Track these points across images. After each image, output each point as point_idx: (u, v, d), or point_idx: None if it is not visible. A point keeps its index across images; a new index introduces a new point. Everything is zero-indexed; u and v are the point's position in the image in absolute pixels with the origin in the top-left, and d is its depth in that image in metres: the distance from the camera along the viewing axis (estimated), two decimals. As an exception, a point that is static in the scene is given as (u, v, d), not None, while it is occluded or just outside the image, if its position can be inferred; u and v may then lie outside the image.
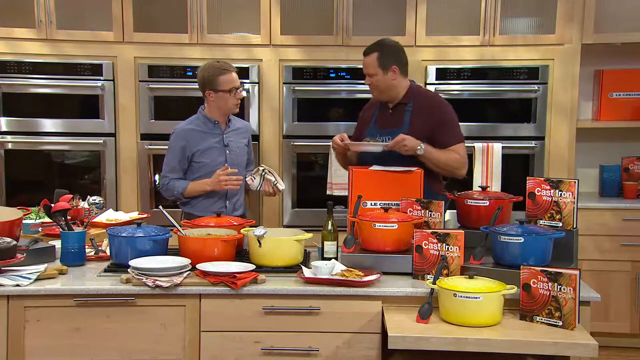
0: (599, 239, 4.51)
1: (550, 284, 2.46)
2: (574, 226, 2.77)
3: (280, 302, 2.68)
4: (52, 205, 3.07)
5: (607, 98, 4.84)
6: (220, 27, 4.58)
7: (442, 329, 2.44)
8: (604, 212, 4.53)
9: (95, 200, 3.65)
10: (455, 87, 4.56)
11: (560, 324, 2.45)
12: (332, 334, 2.69)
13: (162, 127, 4.52)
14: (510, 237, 2.67)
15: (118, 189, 4.61)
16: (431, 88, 4.53)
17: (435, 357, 2.53)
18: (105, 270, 2.85)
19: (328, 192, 4.47)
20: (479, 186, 3.27)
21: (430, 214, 2.99)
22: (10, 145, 4.58)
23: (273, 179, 3.59)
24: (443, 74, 4.54)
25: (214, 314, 2.69)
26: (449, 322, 2.49)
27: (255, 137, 4.45)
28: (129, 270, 2.71)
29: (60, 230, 2.96)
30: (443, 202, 3.00)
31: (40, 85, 4.53)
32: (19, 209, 3.19)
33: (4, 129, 4.56)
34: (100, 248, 3.12)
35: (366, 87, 4.55)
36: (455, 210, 3.15)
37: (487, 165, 4.49)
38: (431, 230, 2.76)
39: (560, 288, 2.44)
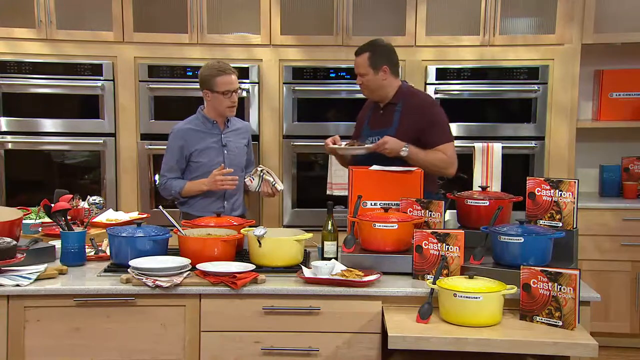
0: (599, 239, 4.51)
1: (550, 284, 2.46)
2: (574, 226, 2.77)
3: (280, 302, 2.68)
4: (52, 205, 3.07)
5: (607, 98, 4.84)
6: (220, 27, 4.58)
7: (442, 329, 2.44)
8: (604, 212, 4.53)
9: (95, 200, 3.65)
10: (455, 87, 4.56)
11: (560, 324, 2.45)
12: (332, 334, 2.69)
13: (162, 127, 4.52)
14: (510, 237, 2.67)
15: (118, 189, 4.61)
16: (431, 88, 4.54)
17: (435, 357, 2.53)
18: (105, 270, 2.85)
19: (328, 192, 4.47)
20: (479, 186, 3.27)
21: (430, 214, 2.99)
22: (10, 145, 4.58)
23: (271, 180, 3.60)
24: (443, 74, 4.54)
25: (214, 314, 2.69)
26: (449, 322, 2.49)
27: (255, 137, 4.45)
28: (129, 270, 2.71)
29: (60, 230, 2.96)
30: (443, 202, 3.00)
31: (40, 85, 4.53)
32: (19, 209, 3.19)
33: (4, 129, 4.56)
34: (100, 248, 3.12)
35: (366, 87, 4.57)
36: (455, 210, 3.15)
37: (487, 165, 4.49)
38: (431, 230, 2.76)
39: (560, 288, 2.44)
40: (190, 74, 4.49)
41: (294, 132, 4.57)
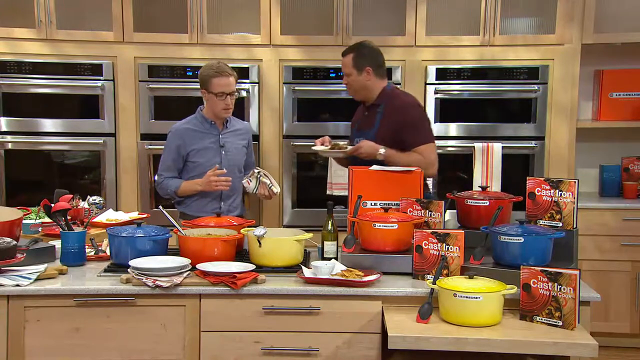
0: (599, 239, 4.51)
1: (550, 284, 2.46)
2: (574, 226, 2.77)
3: (280, 302, 2.68)
4: (52, 205, 3.07)
5: (607, 98, 4.84)
6: (220, 27, 4.58)
7: (442, 329, 2.44)
8: (604, 212, 4.53)
9: (95, 200, 3.65)
10: (455, 87, 4.56)
11: (560, 324, 2.45)
12: (332, 334, 2.69)
13: (162, 127, 4.51)
14: (510, 237, 2.67)
15: (118, 189, 4.61)
16: (431, 88, 4.54)
17: (435, 357, 2.53)
18: (105, 270, 2.85)
19: (328, 192, 4.47)
20: (479, 186, 3.27)
21: (430, 214, 2.99)
22: (10, 145, 4.58)
23: (268, 182, 3.61)
24: (443, 74, 4.54)
25: (214, 314, 2.69)
26: (449, 322, 2.49)
27: (255, 137, 4.44)
28: (129, 270, 2.72)
29: (60, 230, 2.96)
30: (443, 202, 3.00)
31: (40, 85, 4.53)
32: (19, 209, 3.19)
33: (4, 129, 4.56)
34: (100, 248, 3.12)
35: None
36: (455, 210, 3.15)
37: (487, 165, 4.49)
38: (431, 230, 2.76)
39: (560, 288, 2.44)
40: (190, 74, 4.49)
41: (294, 132, 4.57)
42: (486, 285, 2.49)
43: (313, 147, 3.62)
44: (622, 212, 4.52)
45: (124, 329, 2.69)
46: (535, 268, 2.50)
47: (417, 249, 2.77)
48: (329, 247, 2.98)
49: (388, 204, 3.07)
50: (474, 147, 4.50)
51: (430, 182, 3.87)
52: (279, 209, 4.62)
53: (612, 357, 4.44)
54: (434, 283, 2.55)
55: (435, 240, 2.73)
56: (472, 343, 2.38)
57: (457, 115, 4.58)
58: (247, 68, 4.52)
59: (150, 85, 4.53)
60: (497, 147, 4.48)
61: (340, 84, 4.55)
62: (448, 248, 2.71)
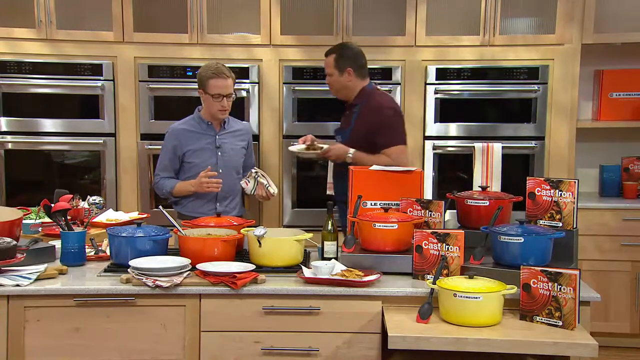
0: (599, 239, 4.51)
1: (550, 284, 2.46)
2: (574, 226, 2.77)
3: (280, 302, 2.68)
4: (52, 205, 3.07)
5: (607, 98, 4.84)
6: (220, 27, 4.58)
7: (442, 329, 2.44)
8: (604, 212, 4.53)
9: (95, 200, 3.65)
10: (455, 87, 4.56)
11: (560, 324, 2.45)
12: (332, 334, 2.69)
13: (162, 127, 4.49)
14: (510, 237, 2.67)
15: (118, 189, 4.61)
16: (431, 88, 4.54)
17: (435, 357, 2.53)
18: (105, 270, 2.85)
19: (328, 192, 4.44)
20: (479, 186, 3.27)
21: (430, 214, 2.99)
22: (10, 145, 4.58)
23: (265, 183, 3.61)
24: (443, 74, 4.54)
25: (214, 314, 2.69)
26: (449, 322, 2.49)
27: (255, 137, 4.44)
28: (129, 270, 2.72)
29: (60, 230, 2.96)
30: (443, 202, 3.00)
31: (40, 85, 4.53)
32: (19, 209, 3.19)
33: (4, 129, 4.56)
34: (100, 248, 3.12)
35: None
36: (455, 210, 3.15)
37: (487, 165, 4.49)
38: (431, 230, 2.76)
39: (560, 288, 2.44)
40: (190, 74, 4.49)
41: (294, 132, 4.57)
42: (486, 285, 2.49)
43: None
44: (622, 212, 4.52)
45: (124, 329, 2.69)
46: (535, 268, 2.50)
47: (417, 249, 2.77)
48: (329, 247, 2.98)
49: (388, 204, 3.07)
50: (474, 147, 4.50)
51: None
52: (279, 209, 4.62)
53: (612, 357, 4.44)
54: (434, 283, 2.55)
55: (435, 240, 2.73)
56: (472, 343, 2.38)
57: (457, 115, 4.58)
58: (247, 68, 4.52)
59: (150, 85, 4.52)
60: (497, 147, 4.48)
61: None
62: (448, 248, 2.71)
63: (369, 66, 4.50)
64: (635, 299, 4.52)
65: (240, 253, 3.05)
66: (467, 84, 4.56)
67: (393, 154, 3.55)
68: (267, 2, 4.51)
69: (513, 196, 3.07)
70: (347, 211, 3.14)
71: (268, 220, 4.56)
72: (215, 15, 4.56)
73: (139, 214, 3.70)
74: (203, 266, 2.74)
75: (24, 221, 3.14)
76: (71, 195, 3.29)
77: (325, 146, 3.73)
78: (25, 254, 2.77)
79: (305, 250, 3.02)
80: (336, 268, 2.77)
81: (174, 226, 2.99)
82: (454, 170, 4.68)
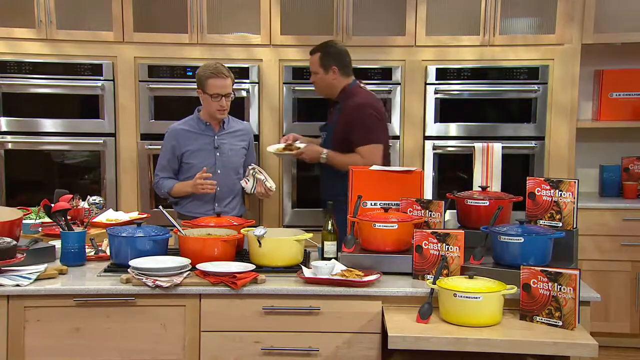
0: (599, 239, 4.50)
1: (550, 284, 2.46)
2: (574, 226, 2.77)
3: (280, 302, 2.68)
4: (52, 205, 3.07)
5: (607, 98, 4.84)
6: (220, 27, 4.58)
7: (442, 329, 2.44)
8: (604, 212, 4.53)
9: (95, 200, 3.65)
10: (455, 87, 4.56)
11: (560, 324, 2.45)
12: (332, 334, 2.69)
13: (162, 127, 4.49)
14: (510, 237, 2.67)
15: (118, 189, 4.61)
16: (431, 88, 4.54)
17: (435, 357, 2.53)
18: (105, 270, 2.85)
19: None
20: (479, 186, 3.27)
21: (430, 214, 2.99)
22: (10, 145, 4.58)
23: (263, 178, 3.59)
24: (443, 74, 4.54)
25: (214, 314, 2.69)
26: (449, 322, 2.49)
27: (255, 137, 4.43)
28: (129, 270, 2.72)
29: (60, 230, 2.96)
30: (443, 202, 3.00)
31: (40, 85, 4.53)
32: (19, 209, 3.19)
33: (4, 129, 4.56)
34: (100, 248, 3.12)
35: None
36: (455, 210, 3.15)
37: (487, 165, 4.49)
38: (431, 230, 2.76)
39: (560, 288, 2.44)
40: (190, 74, 4.48)
41: (294, 132, 4.56)
42: (486, 285, 2.49)
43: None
44: (622, 212, 4.52)
45: (124, 329, 2.69)
46: (535, 268, 2.50)
47: (417, 249, 2.77)
48: (329, 247, 2.98)
49: (388, 204, 3.07)
50: (474, 147, 4.50)
51: None
52: (279, 209, 4.62)
53: (612, 357, 4.44)
54: (434, 283, 2.55)
55: (435, 240, 2.73)
56: (472, 343, 2.38)
57: (457, 115, 4.58)
58: (247, 68, 4.52)
59: (150, 85, 4.52)
60: (497, 147, 4.48)
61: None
62: (448, 248, 2.71)
63: (369, 66, 4.53)
64: (635, 299, 4.52)
65: (240, 253, 3.05)
66: (467, 84, 4.56)
67: (366, 153, 3.60)
68: (267, 2, 4.51)
69: (513, 196, 3.07)
70: (343, 209, 3.16)
71: (268, 220, 4.56)
72: (215, 15, 4.56)
73: (139, 214, 3.70)
74: (203, 266, 2.74)
75: (24, 221, 3.14)
76: (71, 195, 3.29)
77: (303, 145, 3.78)
78: (25, 254, 2.77)
79: (305, 250, 3.01)
80: (336, 268, 2.77)
81: (174, 226, 2.99)
82: (454, 170, 4.68)
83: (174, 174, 3.70)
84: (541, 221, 2.83)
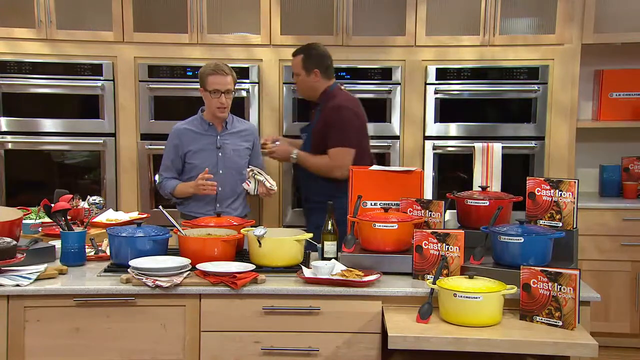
0: (599, 239, 4.50)
1: (550, 284, 2.46)
2: (574, 226, 2.77)
3: (280, 302, 2.68)
4: (52, 205, 3.07)
5: (607, 98, 4.84)
6: (220, 27, 4.58)
7: (442, 329, 2.44)
8: (604, 212, 4.53)
9: (95, 200, 3.65)
10: (455, 87, 4.56)
11: (560, 324, 2.45)
12: (332, 334, 2.69)
13: (162, 127, 4.51)
14: (510, 237, 2.67)
15: (118, 189, 4.61)
16: (431, 88, 4.54)
17: (436, 357, 2.53)
18: (105, 270, 2.85)
19: (328, 192, 4.46)
20: (479, 186, 3.27)
21: (430, 214, 2.99)
22: (10, 145, 4.58)
23: (262, 179, 3.59)
24: (443, 74, 4.54)
25: (214, 314, 2.69)
26: (449, 322, 2.49)
27: (255, 137, 4.45)
28: (129, 270, 2.72)
29: (60, 230, 2.96)
30: (443, 202, 3.00)
31: (40, 85, 4.53)
32: (19, 209, 3.19)
33: (4, 129, 4.56)
34: (100, 248, 3.12)
35: (366, 87, 4.63)
36: (455, 210, 3.15)
37: (487, 165, 4.49)
38: (431, 230, 2.76)
39: (560, 288, 2.44)
40: (190, 74, 4.49)
41: (294, 132, 4.56)
42: (486, 285, 2.49)
43: None
44: (622, 212, 4.52)
45: (124, 329, 2.69)
46: (535, 268, 2.50)
47: (417, 249, 2.77)
48: (329, 247, 2.98)
49: (388, 204, 3.07)
50: (474, 147, 4.50)
51: None
52: (279, 209, 4.62)
53: (612, 357, 4.44)
54: (434, 283, 2.55)
55: (435, 240, 2.73)
56: (472, 343, 2.38)
57: (457, 115, 4.58)
58: (247, 68, 4.52)
59: (150, 85, 4.52)
60: (497, 147, 4.48)
61: (341, 83, 4.57)
62: (448, 248, 2.71)
63: (369, 66, 4.54)
64: (635, 299, 4.52)
65: (240, 253, 3.05)
66: (467, 84, 4.56)
67: (334, 155, 3.66)
68: (267, 2, 4.51)
69: (513, 196, 3.07)
70: (319, 209, 3.20)
71: (268, 220, 4.56)
72: (215, 15, 4.56)
73: (139, 214, 3.70)
74: (203, 266, 2.74)
75: (24, 221, 3.14)
76: (71, 195, 3.29)
77: (278, 142, 3.83)
78: (25, 254, 2.77)
79: (305, 250, 3.01)
80: (336, 268, 2.77)
81: (174, 226, 2.99)
82: (454, 170, 4.68)
83: (178, 174, 3.69)
84: (541, 221, 2.83)
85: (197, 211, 3.60)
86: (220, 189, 3.61)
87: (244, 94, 4.51)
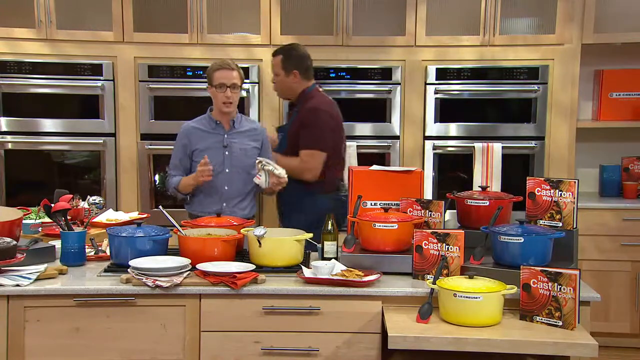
0: (599, 239, 4.50)
1: (550, 284, 2.46)
2: (574, 226, 2.77)
3: (280, 302, 2.68)
4: (52, 205, 3.07)
5: (607, 98, 4.84)
6: (220, 27, 4.58)
7: (442, 329, 2.44)
8: (604, 212, 4.53)
9: (95, 200, 3.65)
10: (455, 87, 4.56)
11: (560, 324, 2.45)
12: (332, 334, 2.69)
13: (162, 127, 4.52)
14: (510, 237, 2.67)
15: (118, 189, 4.61)
16: (431, 88, 4.54)
17: (436, 357, 2.53)
18: (105, 270, 2.85)
19: (328, 192, 4.46)
20: (479, 186, 3.27)
21: (430, 214, 2.99)
22: (10, 145, 4.58)
23: (271, 167, 3.49)
24: (443, 74, 4.54)
25: (214, 314, 2.69)
26: (449, 322, 2.49)
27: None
28: (129, 270, 2.71)
29: (60, 230, 2.96)
30: (443, 202, 3.00)
31: (40, 85, 4.53)
32: (19, 209, 3.19)
33: (4, 129, 4.56)
34: (100, 248, 3.12)
35: (366, 87, 4.63)
36: (455, 210, 3.15)
37: (487, 165, 4.49)
38: (431, 230, 2.76)
39: (560, 288, 2.44)
40: (190, 74, 4.49)
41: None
42: (486, 285, 2.49)
43: None
44: (622, 212, 4.52)
45: (124, 329, 2.69)
46: (535, 268, 2.50)
47: (417, 249, 2.77)
48: (329, 247, 2.98)
49: (388, 204, 3.07)
50: (474, 147, 4.50)
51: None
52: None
53: (612, 357, 4.44)
54: (434, 283, 2.55)
55: (435, 240, 2.73)
56: (472, 343, 2.38)
57: (457, 115, 4.58)
58: (247, 68, 4.51)
59: (150, 85, 4.52)
60: (497, 147, 4.48)
61: (341, 83, 4.59)
62: (448, 248, 2.71)
63: (369, 66, 4.54)
64: (635, 299, 4.52)
65: (240, 253, 3.05)
66: (467, 84, 4.56)
67: (305, 156, 3.69)
68: (267, 2, 4.51)
69: (513, 196, 3.07)
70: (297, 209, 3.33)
71: (268, 220, 4.55)
72: (215, 15, 4.56)
73: (139, 214, 3.70)
74: (203, 266, 2.74)
75: (24, 221, 3.14)
76: (71, 195, 3.29)
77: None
78: (25, 254, 2.77)
79: (305, 250, 3.01)
80: (336, 268, 2.77)
81: (174, 226, 2.98)
82: (454, 170, 4.68)
83: (186, 173, 3.68)
84: (541, 221, 2.83)
85: (203, 210, 3.58)
86: (226, 187, 3.59)
87: (244, 93, 4.51)
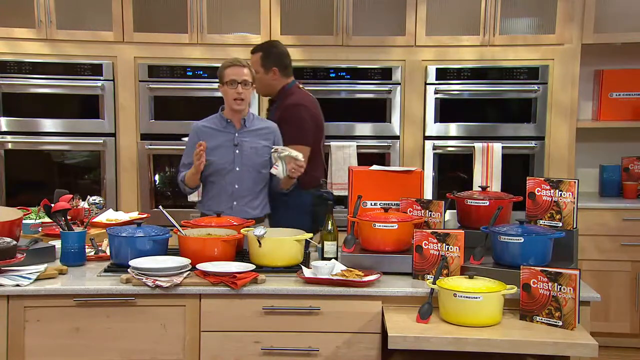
0: (599, 239, 4.51)
1: (550, 284, 2.46)
2: (574, 226, 2.77)
3: (280, 302, 2.68)
4: (52, 205, 3.07)
5: (607, 98, 4.84)
6: (220, 27, 4.58)
7: (442, 329, 2.44)
8: (604, 212, 4.53)
9: (95, 200, 3.65)
10: (455, 87, 4.56)
11: (560, 324, 2.45)
12: (332, 334, 2.69)
13: (162, 127, 4.52)
14: (510, 237, 2.67)
15: (118, 189, 4.61)
16: (431, 88, 4.54)
17: (436, 357, 2.53)
18: (105, 270, 2.85)
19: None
20: (479, 186, 3.27)
21: (430, 214, 2.99)
22: (10, 145, 4.58)
23: (287, 152, 3.41)
24: (443, 74, 4.54)
25: (214, 314, 2.69)
26: (449, 322, 2.49)
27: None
28: (129, 270, 2.71)
29: (60, 230, 2.96)
30: (443, 202, 3.00)
31: (40, 85, 4.53)
32: (19, 209, 3.19)
33: (4, 129, 4.56)
34: (100, 248, 3.12)
35: (366, 87, 4.63)
36: (455, 210, 3.15)
37: (487, 165, 4.49)
38: (431, 230, 2.76)
39: (560, 288, 2.44)
40: (190, 74, 4.49)
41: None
42: (486, 285, 2.49)
43: None
44: (622, 212, 4.52)
45: (124, 329, 2.69)
46: (535, 268, 2.50)
47: (417, 249, 2.77)
48: (329, 247, 2.98)
49: (388, 204, 3.07)
50: (474, 147, 4.50)
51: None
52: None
53: (612, 357, 4.44)
54: (434, 283, 2.55)
55: (435, 240, 2.73)
56: (472, 343, 2.38)
57: (457, 115, 4.58)
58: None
59: (150, 85, 4.53)
60: (497, 147, 4.48)
61: (341, 83, 4.59)
62: (448, 248, 2.71)
63: (369, 66, 4.54)
64: (635, 299, 4.52)
65: (240, 253, 3.05)
66: (467, 84, 4.56)
67: None
68: (267, 2, 4.51)
69: (513, 196, 3.07)
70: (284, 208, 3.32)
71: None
72: (215, 15, 4.56)
73: (139, 214, 3.70)
74: (203, 266, 2.74)
75: (24, 221, 3.14)
76: (71, 195, 3.29)
77: None
78: (25, 254, 2.77)
79: (305, 250, 3.01)
80: (336, 268, 2.77)
81: (174, 226, 2.98)
82: (454, 170, 4.68)
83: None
84: (541, 221, 2.83)
85: (214, 209, 3.54)
86: (236, 186, 3.58)
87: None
